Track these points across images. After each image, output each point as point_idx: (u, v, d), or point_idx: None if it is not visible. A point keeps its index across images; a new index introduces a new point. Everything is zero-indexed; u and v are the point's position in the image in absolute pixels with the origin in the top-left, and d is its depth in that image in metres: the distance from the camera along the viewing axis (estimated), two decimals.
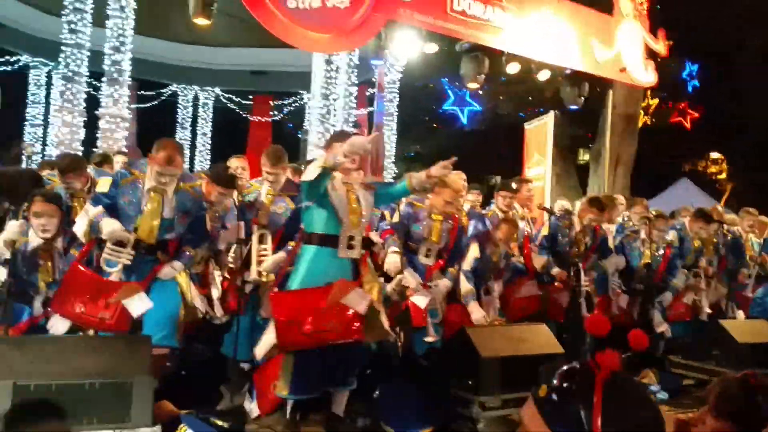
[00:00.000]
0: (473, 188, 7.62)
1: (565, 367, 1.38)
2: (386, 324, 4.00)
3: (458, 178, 5.54)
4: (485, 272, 5.55)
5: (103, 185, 4.17)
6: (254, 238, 4.73)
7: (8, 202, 4.66)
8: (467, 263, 5.41)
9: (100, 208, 4.07)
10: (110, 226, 3.98)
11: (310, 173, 3.72)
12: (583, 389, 1.29)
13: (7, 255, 3.98)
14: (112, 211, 4.09)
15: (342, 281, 3.77)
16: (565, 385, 1.33)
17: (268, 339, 3.90)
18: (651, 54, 11.78)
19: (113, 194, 4.11)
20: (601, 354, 1.32)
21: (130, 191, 4.12)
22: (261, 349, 3.99)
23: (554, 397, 1.33)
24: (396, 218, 5.14)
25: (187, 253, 4.28)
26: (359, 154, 3.75)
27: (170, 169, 4.09)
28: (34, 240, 4.30)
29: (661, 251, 6.69)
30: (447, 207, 5.08)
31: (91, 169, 6.17)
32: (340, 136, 4.03)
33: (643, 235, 6.73)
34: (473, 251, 5.45)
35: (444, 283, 5.09)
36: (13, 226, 4.06)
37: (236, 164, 5.49)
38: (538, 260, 6.18)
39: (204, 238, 4.55)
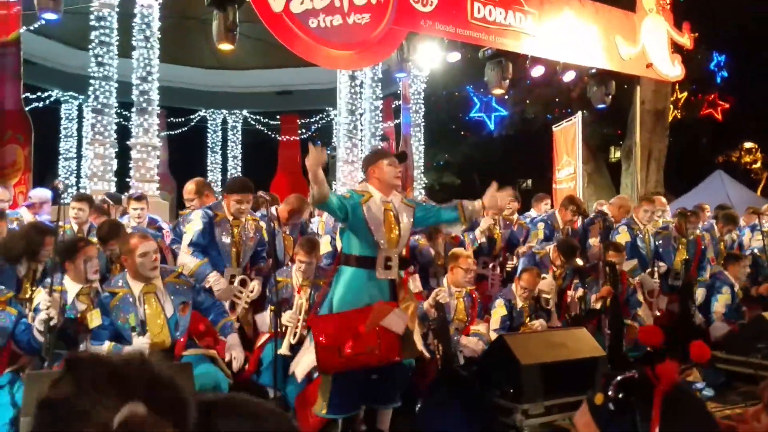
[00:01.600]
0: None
1: (622, 377, 1.35)
2: (420, 343, 4.05)
3: (468, 254, 5.61)
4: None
5: (95, 320, 4.02)
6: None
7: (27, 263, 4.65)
8: (494, 323, 5.46)
9: (107, 343, 3.97)
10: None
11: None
12: (642, 401, 1.27)
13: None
14: (116, 337, 4.04)
15: (380, 303, 3.79)
16: (622, 395, 1.31)
17: (307, 360, 3.93)
18: (677, 48, 11.63)
19: (107, 322, 4.04)
20: (662, 365, 1.29)
21: (122, 309, 4.06)
22: (301, 370, 4.01)
23: (611, 406, 1.31)
24: None
25: (229, 323, 4.32)
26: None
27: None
28: (71, 288, 4.26)
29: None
30: (466, 277, 5.28)
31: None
32: (374, 158, 4.10)
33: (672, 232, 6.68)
34: (500, 311, 5.49)
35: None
36: (43, 302, 3.74)
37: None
38: (628, 264, 6.21)
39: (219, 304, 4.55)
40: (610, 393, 1.32)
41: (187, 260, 4.78)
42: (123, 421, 0.86)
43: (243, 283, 4.96)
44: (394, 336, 3.74)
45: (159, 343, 4.06)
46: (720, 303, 6.55)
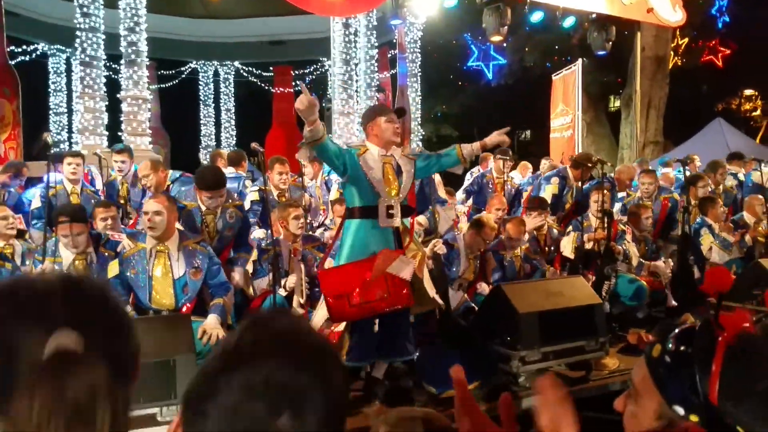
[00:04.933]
0: (501, 156, 7.50)
1: (683, 327, 1.25)
2: (433, 292, 4.12)
3: (494, 226, 5.66)
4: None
5: (113, 270, 4.22)
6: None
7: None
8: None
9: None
10: None
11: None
12: (702, 353, 1.15)
13: None
14: (126, 287, 4.20)
15: (385, 251, 3.84)
16: (681, 347, 1.20)
17: (320, 314, 4.02)
18: None
19: (121, 271, 4.20)
20: (728, 314, 1.17)
21: (134, 262, 4.22)
22: (314, 324, 4.05)
23: (668, 359, 1.21)
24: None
25: (220, 304, 4.27)
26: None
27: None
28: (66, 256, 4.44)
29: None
30: (483, 246, 5.39)
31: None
32: (372, 115, 4.12)
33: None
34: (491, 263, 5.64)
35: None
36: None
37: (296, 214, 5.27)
38: None
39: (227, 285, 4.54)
40: (668, 345, 1.22)
41: None
42: (52, 355, 0.80)
43: None
44: (402, 282, 3.80)
45: (163, 304, 4.18)
46: (705, 246, 6.68)
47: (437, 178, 6.46)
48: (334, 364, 0.92)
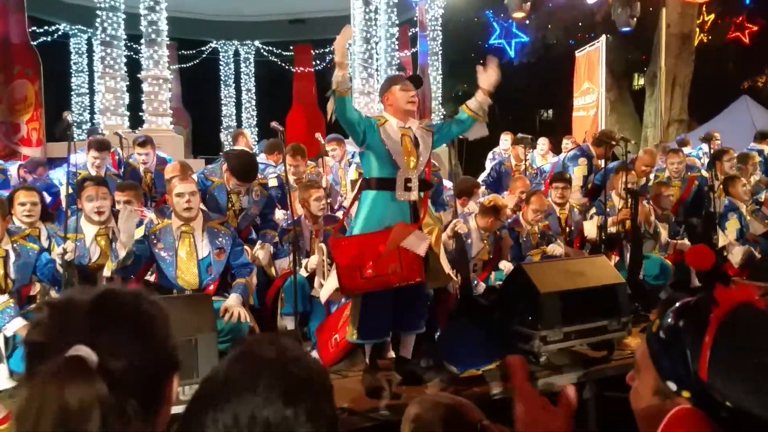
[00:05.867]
0: (520, 142, 7.44)
1: (681, 302, 1.23)
2: (447, 268, 4.06)
3: (514, 199, 5.79)
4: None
5: (137, 234, 4.34)
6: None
7: None
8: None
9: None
10: None
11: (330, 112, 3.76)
12: (694, 327, 1.14)
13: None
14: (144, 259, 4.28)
15: (401, 224, 3.78)
16: (676, 322, 1.19)
17: (330, 283, 3.97)
18: None
19: (145, 243, 4.28)
20: (724, 287, 1.14)
21: (160, 237, 4.31)
22: (324, 293, 4.08)
23: (662, 334, 1.20)
24: None
25: (242, 284, 4.31)
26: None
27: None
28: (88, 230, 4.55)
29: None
30: (496, 226, 5.35)
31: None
32: (387, 85, 4.06)
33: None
34: (507, 241, 5.62)
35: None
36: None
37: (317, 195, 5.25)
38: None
39: (250, 266, 4.59)
40: (665, 320, 1.21)
41: None
42: (63, 360, 0.84)
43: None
44: (415, 257, 3.75)
45: (188, 282, 4.26)
46: (730, 230, 6.56)
47: (446, 183, 6.45)
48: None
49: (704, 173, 7.26)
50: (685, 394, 1.14)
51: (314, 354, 4.24)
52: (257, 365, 0.92)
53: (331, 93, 3.64)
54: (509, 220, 5.73)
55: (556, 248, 5.57)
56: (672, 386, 1.16)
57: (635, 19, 11.12)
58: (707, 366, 1.09)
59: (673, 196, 6.53)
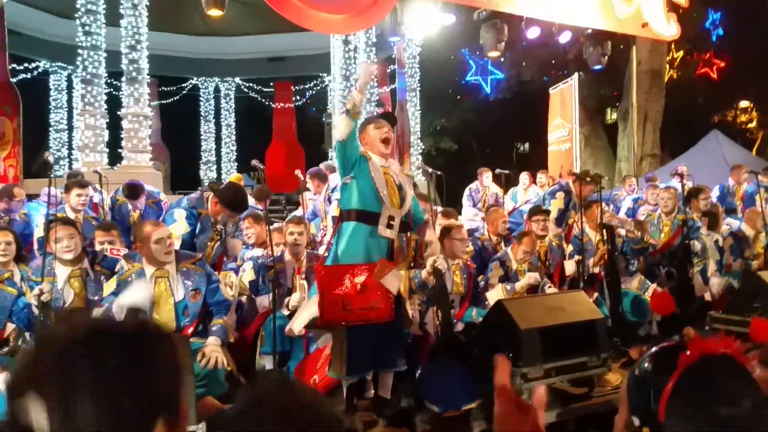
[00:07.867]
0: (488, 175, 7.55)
1: (659, 345, 1.30)
2: (410, 311, 4.10)
3: (460, 224, 5.62)
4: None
5: (109, 288, 4.20)
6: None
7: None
8: (494, 281, 5.59)
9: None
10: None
11: (338, 131, 3.81)
12: (662, 369, 1.20)
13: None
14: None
15: (384, 261, 3.80)
16: (649, 363, 1.26)
17: (307, 312, 3.93)
18: (672, 6, 11.48)
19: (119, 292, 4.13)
20: (704, 338, 1.21)
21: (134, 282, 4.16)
22: (299, 323, 4.02)
23: (636, 372, 1.27)
24: None
25: (220, 325, 4.22)
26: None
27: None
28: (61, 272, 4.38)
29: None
30: (461, 247, 5.25)
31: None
32: (362, 126, 4.11)
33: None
34: (497, 272, 5.62)
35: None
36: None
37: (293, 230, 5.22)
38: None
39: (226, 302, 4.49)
40: (644, 360, 1.28)
41: None
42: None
43: None
44: (389, 295, 3.77)
45: (164, 325, 4.06)
46: (710, 263, 6.74)
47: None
48: None
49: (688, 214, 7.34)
50: (645, 430, 1.21)
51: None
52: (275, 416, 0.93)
53: (346, 112, 3.73)
54: (500, 253, 5.78)
55: (531, 276, 5.60)
56: (635, 421, 1.24)
57: (606, 57, 11.40)
58: (665, 409, 1.16)
59: (663, 234, 6.70)
